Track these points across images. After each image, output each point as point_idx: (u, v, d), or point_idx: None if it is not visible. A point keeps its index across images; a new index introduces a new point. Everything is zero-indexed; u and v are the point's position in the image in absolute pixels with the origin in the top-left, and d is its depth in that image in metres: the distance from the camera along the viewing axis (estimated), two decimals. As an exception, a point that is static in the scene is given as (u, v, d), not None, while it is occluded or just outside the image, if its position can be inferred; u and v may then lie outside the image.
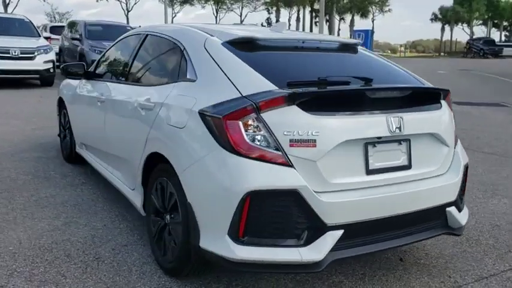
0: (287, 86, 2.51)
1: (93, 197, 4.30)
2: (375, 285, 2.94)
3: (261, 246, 2.35)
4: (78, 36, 13.76)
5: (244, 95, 2.48)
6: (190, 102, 2.68)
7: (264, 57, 2.88)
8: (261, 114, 2.38)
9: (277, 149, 2.36)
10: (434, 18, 72.85)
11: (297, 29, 41.43)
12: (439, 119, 2.87)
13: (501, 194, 4.74)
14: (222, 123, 2.41)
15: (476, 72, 22.88)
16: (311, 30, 46.25)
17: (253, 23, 39.12)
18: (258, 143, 2.37)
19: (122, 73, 3.84)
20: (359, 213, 2.47)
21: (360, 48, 3.42)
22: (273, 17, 55.66)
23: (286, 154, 2.36)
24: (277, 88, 2.46)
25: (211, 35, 3.05)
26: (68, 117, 5.05)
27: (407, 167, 2.70)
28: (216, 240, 2.44)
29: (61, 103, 5.35)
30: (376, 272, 3.09)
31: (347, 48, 3.33)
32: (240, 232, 2.36)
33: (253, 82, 2.55)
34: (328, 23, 34.51)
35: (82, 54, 13.29)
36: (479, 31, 75.59)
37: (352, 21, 55.05)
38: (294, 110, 2.39)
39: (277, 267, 2.39)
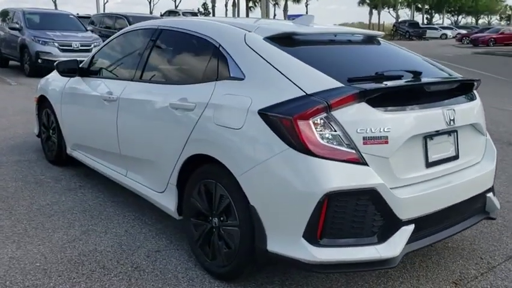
0: (348, 82, 2.49)
1: (99, 201, 4.07)
2: (419, 271, 3.03)
3: (339, 247, 2.34)
4: (17, 26, 12.79)
5: (309, 93, 2.42)
6: (245, 102, 2.59)
7: (310, 53, 2.83)
8: (332, 113, 2.35)
9: (351, 148, 2.34)
10: (362, 2, 75.26)
11: (233, 13, 41.14)
12: (477, 109, 2.99)
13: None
14: (292, 124, 2.35)
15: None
16: (247, 15, 46.29)
17: (190, 9, 38.37)
18: (331, 142, 2.34)
19: (134, 71, 3.61)
20: (426, 206, 2.52)
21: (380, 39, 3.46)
22: (208, 2, 54.91)
23: (360, 152, 2.35)
24: (343, 85, 2.44)
25: (249, 31, 2.95)
26: (54, 117, 4.71)
27: (456, 157, 2.79)
28: (289, 244, 2.39)
29: (42, 102, 4.99)
30: (413, 259, 3.18)
31: (374, 40, 3.35)
32: (317, 234, 2.33)
33: (315, 79, 2.50)
34: (262, 8, 34.57)
35: (24, 45, 12.39)
36: (404, 14, 78.99)
37: (285, 6, 55.56)
38: (364, 107, 2.38)
39: (354, 266, 2.39)
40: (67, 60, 4.30)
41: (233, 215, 2.66)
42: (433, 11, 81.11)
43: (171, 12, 34.20)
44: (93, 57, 4.30)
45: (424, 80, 2.73)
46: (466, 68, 17.33)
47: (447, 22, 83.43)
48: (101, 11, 32.76)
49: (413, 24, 53.99)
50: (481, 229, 3.68)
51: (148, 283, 2.81)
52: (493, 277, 2.99)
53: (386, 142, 2.38)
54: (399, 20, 62.19)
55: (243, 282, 2.82)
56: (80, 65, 4.32)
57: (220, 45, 2.96)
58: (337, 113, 2.35)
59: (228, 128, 2.64)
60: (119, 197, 4.13)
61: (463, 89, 2.94)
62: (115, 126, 3.64)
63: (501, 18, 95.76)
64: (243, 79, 2.74)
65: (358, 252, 2.34)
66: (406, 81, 2.66)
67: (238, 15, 42.22)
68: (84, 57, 12.03)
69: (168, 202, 3.19)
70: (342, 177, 2.31)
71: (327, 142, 2.34)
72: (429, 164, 2.62)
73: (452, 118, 2.67)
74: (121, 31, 4.18)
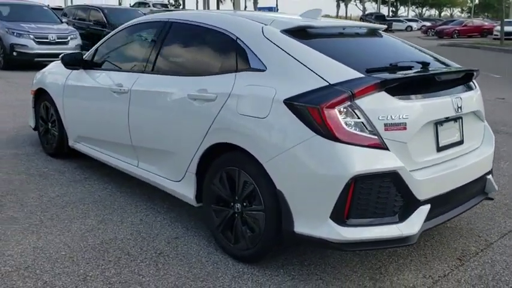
0: (366, 73, 2.66)
1: (107, 191, 4.13)
2: (425, 250, 3.25)
3: (364, 226, 2.52)
4: (-10, 18, 12.49)
5: (332, 83, 2.58)
6: (269, 92, 2.73)
7: (326, 45, 2.98)
8: (356, 101, 2.52)
9: (373, 134, 2.52)
10: (329, -6, 75.95)
11: (204, 5, 40.94)
12: (477, 97, 3.22)
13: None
14: (319, 112, 2.50)
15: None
16: (217, 7, 45.97)
17: (160, 0, 37.88)
18: (356, 129, 2.51)
19: (145, 63, 3.68)
20: (439, 187, 2.74)
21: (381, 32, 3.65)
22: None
23: (382, 138, 2.53)
24: (363, 75, 2.60)
25: (265, 24, 3.08)
26: (54, 109, 4.72)
27: (461, 142, 3.02)
28: (317, 225, 2.55)
29: (41, 94, 4.98)
30: (418, 238, 3.39)
31: (377, 32, 3.54)
32: (344, 215, 2.50)
33: (336, 70, 2.67)
34: (233, 0, 34.52)
35: (-3, 37, 12.14)
36: (370, 7, 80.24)
37: (255, -2, 55.59)
38: (384, 95, 2.57)
39: (378, 243, 2.58)
40: (72, 53, 4.33)
41: (258, 199, 2.80)
42: (399, 4, 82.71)
43: (140, 4, 33.77)
44: (96, 50, 4.33)
45: (433, 70, 2.94)
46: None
47: (411, 14, 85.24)
48: (69, 3, 32.04)
49: (379, 16, 54.88)
50: (475, 210, 3.94)
51: (175, 267, 2.93)
52: (492, 253, 3.24)
53: (405, 128, 2.57)
54: (366, 13, 63.16)
55: (265, 264, 2.98)
56: (84, 57, 4.35)
57: (237, 37, 3.08)
58: (360, 102, 2.52)
59: (253, 117, 2.77)
60: (126, 187, 4.20)
61: (465, 78, 3.17)
62: (126, 117, 3.71)
63: (462, 11, 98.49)
64: (264, 70, 2.87)
65: (381, 231, 2.53)
66: (419, 72, 2.86)
67: (208, 7, 42.03)
68: (61, 50, 12.30)
69: (186, 190, 3.30)
70: (366, 161, 2.48)
71: (352, 129, 2.50)
72: (440, 149, 2.83)
73: (460, 105, 2.89)
74: (124, 25, 4.23)
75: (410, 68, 2.88)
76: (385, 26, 3.78)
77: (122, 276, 2.81)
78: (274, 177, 2.68)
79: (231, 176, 2.97)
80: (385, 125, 2.53)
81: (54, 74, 4.79)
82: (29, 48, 11.81)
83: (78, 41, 12.89)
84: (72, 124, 4.54)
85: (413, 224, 2.57)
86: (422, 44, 29.56)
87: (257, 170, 2.77)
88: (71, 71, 4.45)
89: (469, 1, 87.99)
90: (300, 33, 3.00)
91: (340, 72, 2.64)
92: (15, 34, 11.85)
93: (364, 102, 2.52)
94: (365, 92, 2.52)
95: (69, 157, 4.89)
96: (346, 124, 2.50)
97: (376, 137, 2.52)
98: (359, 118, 2.51)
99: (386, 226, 2.54)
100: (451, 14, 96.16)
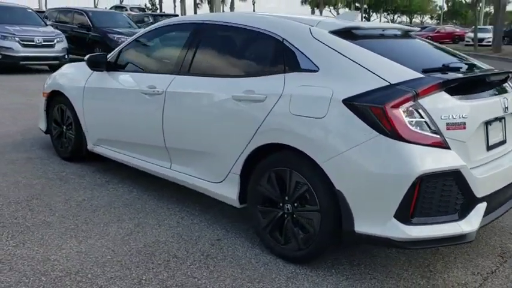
0: (424, 73, 2.70)
1: (134, 195, 4.05)
2: (465, 248, 3.30)
3: (428, 225, 2.55)
4: (-27, 20, 12.12)
5: (393, 83, 2.61)
6: (326, 92, 2.73)
7: (376, 45, 3.00)
8: (419, 101, 2.55)
9: (436, 133, 2.55)
10: (304, 1, 76.76)
11: (181, 10, 40.77)
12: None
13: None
14: (383, 112, 2.52)
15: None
16: (195, 11, 45.85)
17: (137, 4, 37.45)
18: (420, 128, 2.54)
19: (179, 65, 3.62)
20: (493, 185, 2.79)
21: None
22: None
23: (444, 137, 2.56)
24: (423, 75, 2.64)
25: (311, 25, 3.09)
26: (72, 112, 4.59)
27: (504, 141, 3.08)
28: (379, 224, 2.57)
29: (54, 97, 4.85)
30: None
31: (410, 34, 3.60)
32: (409, 213, 2.52)
33: (394, 70, 2.69)
34: (209, 5, 34.51)
35: (-19, 40, 11.78)
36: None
37: (232, 4, 55.63)
38: (444, 95, 2.61)
39: (440, 241, 2.61)
40: (97, 54, 4.24)
41: (312, 200, 2.80)
42: (371, 10, 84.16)
43: (117, 7, 33.36)
44: (120, 52, 4.25)
45: (481, 71, 3.00)
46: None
47: (383, 21, 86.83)
48: (43, 6, 31.45)
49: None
50: (499, 209, 4.03)
51: (227, 269, 2.89)
52: (530, 249, 3.33)
53: (465, 128, 2.62)
54: (340, 19, 63.90)
55: (316, 265, 2.97)
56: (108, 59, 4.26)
57: (284, 39, 3.08)
58: (423, 101, 2.55)
59: (309, 117, 2.77)
60: (152, 190, 4.14)
61: (504, 79, 3.24)
62: (160, 119, 3.65)
63: (431, 18, 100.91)
64: (316, 71, 2.87)
65: (444, 229, 2.56)
66: (471, 72, 2.92)
67: (185, 12, 41.85)
68: (48, 53, 12.35)
69: (228, 191, 3.27)
70: (431, 160, 2.51)
71: (416, 128, 2.53)
72: (489, 148, 2.89)
73: (507, 106, 2.96)
74: (151, 27, 4.17)
75: (459, 68, 2.94)
76: (418, 29, 3.84)
77: (177, 279, 2.76)
78: (332, 177, 2.68)
79: (280, 176, 2.95)
80: (447, 124, 2.57)
81: (71, 76, 4.68)
82: (15, 51, 11.52)
83: (64, 44, 12.63)
84: (93, 127, 4.43)
85: (472, 221, 2.61)
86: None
87: (312, 170, 2.77)
88: (91, 72, 4.36)
89: (438, 8, 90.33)
90: (348, 34, 3.03)
91: (399, 72, 2.67)
92: (0, 37, 11.52)
93: (426, 101, 2.56)
94: (428, 91, 2.55)
95: (84, 160, 4.78)
96: (410, 123, 2.53)
97: (439, 136, 2.55)
98: (422, 117, 2.54)
99: (448, 224, 2.57)
100: (421, 21, 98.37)
